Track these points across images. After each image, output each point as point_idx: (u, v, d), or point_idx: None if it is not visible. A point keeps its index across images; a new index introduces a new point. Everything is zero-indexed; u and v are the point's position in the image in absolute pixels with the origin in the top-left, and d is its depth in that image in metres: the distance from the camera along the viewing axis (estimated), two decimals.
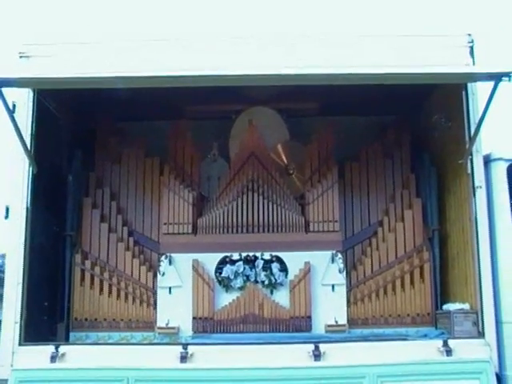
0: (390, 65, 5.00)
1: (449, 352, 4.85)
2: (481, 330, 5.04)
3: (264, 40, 5.40)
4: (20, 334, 4.90)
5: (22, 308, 4.95)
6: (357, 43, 5.37)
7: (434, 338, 5.23)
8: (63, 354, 4.83)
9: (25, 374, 4.73)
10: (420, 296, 5.91)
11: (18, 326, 4.91)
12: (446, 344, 4.89)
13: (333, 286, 5.83)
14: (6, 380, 4.72)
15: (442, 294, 5.88)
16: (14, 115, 5.01)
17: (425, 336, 5.47)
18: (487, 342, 4.93)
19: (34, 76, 4.99)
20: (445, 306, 5.63)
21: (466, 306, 5.30)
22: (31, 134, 5.22)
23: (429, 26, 5.58)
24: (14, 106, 5.17)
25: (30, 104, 5.29)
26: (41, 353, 4.83)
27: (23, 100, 5.26)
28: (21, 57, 5.35)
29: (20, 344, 4.88)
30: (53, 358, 4.78)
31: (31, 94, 5.30)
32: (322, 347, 4.85)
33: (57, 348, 4.84)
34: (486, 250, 5.09)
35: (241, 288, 5.81)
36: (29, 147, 5.15)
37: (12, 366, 4.81)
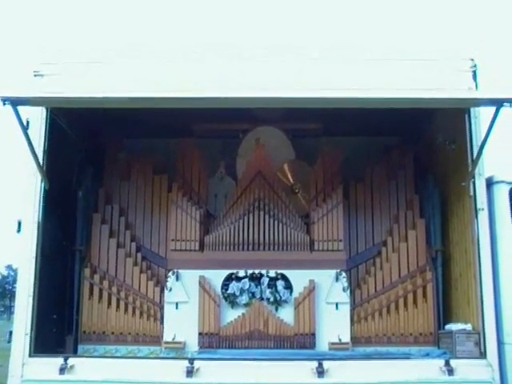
0: (393, 88, 5.09)
1: (450, 372, 4.88)
2: (483, 350, 5.06)
3: (270, 59, 5.48)
4: (30, 346, 4.97)
5: (32, 320, 5.02)
6: (360, 67, 5.44)
7: (435, 358, 5.25)
8: (72, 366, 4.91)
9: None
10: (423, 316, 5.95)
11: (28, 337, 4.98)
12: (447, 364, 4.93)
13: (337, 305, 5.89)
14: None
15: (445, 314, 5.92)
16: (28, 132, 5.10)
17: (427, 355, 5.49)
18: (489, 363, 4.95)
19: (48, 95, 5.10)
20: (447, 326, 5.66)
21: (469, 327, 5.33)
22: (43, 151, 5.32)
23: (432, 49, 5.64)
24: (28, 122, 5.25)
25: (43, 121, 5.39)
26: (50, 364, 4.91)
27: (36, 117, 5.36)
28: (35, 75, 5.44)
29: (30, 355, 4.96)
30: (62, 370, 4.87)
31: (44, 112, 5.40)
32: (326, 364, 4.90)
33: (66, 360, 4.92)
34: (488, 272, 5.15)
35: (246, 305, 5.87)
36: (41, 163, 5.25)
37: (22, 376, 4.88)
